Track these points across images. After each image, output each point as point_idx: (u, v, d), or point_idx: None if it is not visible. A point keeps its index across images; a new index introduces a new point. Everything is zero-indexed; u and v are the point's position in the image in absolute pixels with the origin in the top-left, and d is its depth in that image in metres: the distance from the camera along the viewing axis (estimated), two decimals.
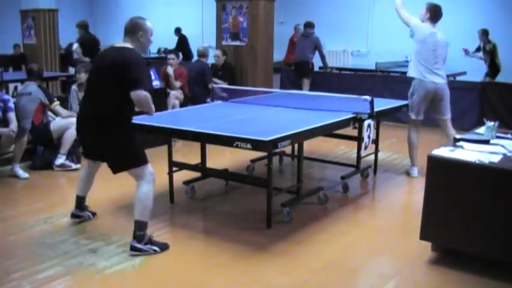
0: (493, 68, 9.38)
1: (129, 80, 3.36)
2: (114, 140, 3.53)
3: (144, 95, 3.37)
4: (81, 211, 4.08)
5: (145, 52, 3.64)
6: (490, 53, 9.39)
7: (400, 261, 3.50)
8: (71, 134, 5.48)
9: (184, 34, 13.46)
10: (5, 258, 3.48)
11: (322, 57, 9.34)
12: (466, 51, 9.70)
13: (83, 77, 5.91)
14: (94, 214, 4.15)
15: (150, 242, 3.56)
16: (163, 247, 3.60)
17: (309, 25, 9.26)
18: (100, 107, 3.51)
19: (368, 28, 12.46)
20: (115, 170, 3.61)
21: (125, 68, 3.38)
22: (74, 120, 5.50)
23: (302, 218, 4.21)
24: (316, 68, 9.60)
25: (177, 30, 13.53)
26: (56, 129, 5.57)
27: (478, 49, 9.72)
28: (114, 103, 3.48)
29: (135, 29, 3.55)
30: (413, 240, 3.56)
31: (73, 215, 4.07)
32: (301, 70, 9.16)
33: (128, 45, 3.53)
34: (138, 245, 3.51)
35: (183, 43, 13.22)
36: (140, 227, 3.52)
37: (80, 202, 4.07)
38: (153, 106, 3.52)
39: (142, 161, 3.57)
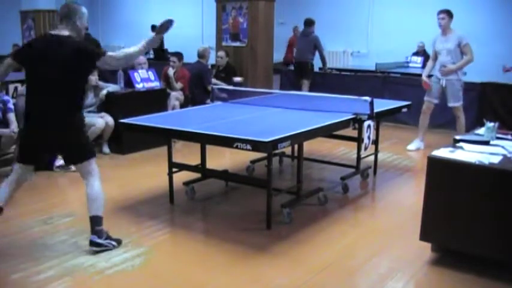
0: None
1: (93, 57, 3.44)
2: (73, 131, 3.49)
3: (109, 55, 3.48)
4: None
5: (80, 37, 3.60)
6: None
7: (400, 262, 3.50)
8: None
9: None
10: (5, 259, 3.48)
11: (322, 58, 9.27)
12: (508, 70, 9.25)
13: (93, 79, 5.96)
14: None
15: (109, 237, 3.62)
16: (119, 242, 3.67)
17: (308, 23, 9.10)
18: (57, 99, 3.41)
19: (368, 29, 12.46)
20: (72, 161, 3.71)
21: (82, 55, 3.40)
22: None
23: (302, 218, 4.22)
24: (316, 69, 9.59)
25: (153, 27, 13.44)
26: None
27: None
28: (70, 94, 3.44)
29: (71, 13, 3.49)
30: (413, 241, 3.56)
31: None
32: (300, 71, 9.13)
33: (66, 32, 3.46)
34: (99, 240, 3.55)
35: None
36: (98, 222, 3.56)
37: None
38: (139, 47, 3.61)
39: (94, 153, 3.63)
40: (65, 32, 3.47)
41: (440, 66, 6.29)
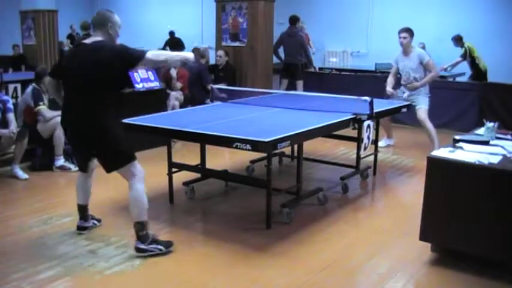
0: (477, 71, 9.23)
1: (131, 59, 3.33)
2: (106, 138, 3.46)
3: (151, 53, 3.33)
4: (86, 221, 3.91)
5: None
6: (464, 57, 9.23)
7: (400, 262, 3.50)
8: (59, 135, 5.47)
9: (177, 37, 13.56)
10: (4, 259, 3.49)
11: (309, 60, 9.08)
12: (445, 69, 9.35)
13: None
14: (99, 221, 4.03)
15: (154, 241, 3.55)
16: (168, 245, 3.57)
17: (292, 21, 8.82)
18: (90, 107, 3.40)
19: (368, 29, 12.47)
20: (109, 169, 3.56)
21: (119, 58, 3.33)
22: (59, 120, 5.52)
23: (302, 218, 4.22)
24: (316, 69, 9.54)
25: (170, 33, 13.60)
26: (43, 130, 5.55)
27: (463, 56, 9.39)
28: (104, 101, 3.41)
29: (104, 21, 3.50)
30: (413, 241, 3.56)
31: (79, 228, 3.88)
32: (292, 73, 8.88)
33: (100, 38, 3.46)
34: (143, 246, 3.49)
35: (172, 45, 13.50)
36: (139, 227, 3.50)
37: (83, 212, 3.90)
38: (176, 55, 3.59)
39: (132, 157, 3.56)
40: (99, 38, 3.47)
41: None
